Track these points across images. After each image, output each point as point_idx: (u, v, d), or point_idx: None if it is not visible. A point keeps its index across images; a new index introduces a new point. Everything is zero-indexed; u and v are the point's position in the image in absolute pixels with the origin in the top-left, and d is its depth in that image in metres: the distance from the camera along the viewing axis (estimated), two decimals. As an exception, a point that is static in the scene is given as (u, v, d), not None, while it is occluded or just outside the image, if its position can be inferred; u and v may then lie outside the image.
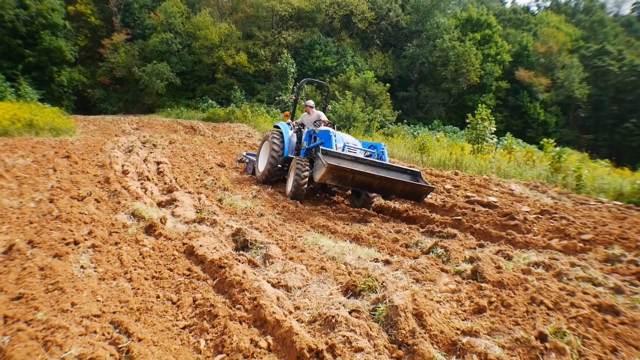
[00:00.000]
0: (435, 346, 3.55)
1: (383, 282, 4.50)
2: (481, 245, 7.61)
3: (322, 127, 11.79)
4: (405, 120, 45.37)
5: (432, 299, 4.43)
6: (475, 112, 21.67)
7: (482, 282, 5.15)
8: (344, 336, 3.50)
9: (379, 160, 10.56)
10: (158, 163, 13.98)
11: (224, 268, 5.10)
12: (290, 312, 4.17)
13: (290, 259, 5.89)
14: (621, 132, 55.31)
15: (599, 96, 59.22)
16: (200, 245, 6.00)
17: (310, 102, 13.59)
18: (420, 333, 3.60)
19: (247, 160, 14.73)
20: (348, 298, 4.40)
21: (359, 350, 3.37)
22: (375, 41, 57.59)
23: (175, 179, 11.94)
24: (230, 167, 15.24)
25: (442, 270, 5.73)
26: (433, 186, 10.50)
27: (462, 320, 4.13)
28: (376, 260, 6.02)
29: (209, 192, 10.82)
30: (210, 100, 44.47)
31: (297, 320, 3.97)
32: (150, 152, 16.40)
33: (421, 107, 53.48)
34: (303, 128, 12.84)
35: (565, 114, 58.58)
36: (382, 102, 44.48)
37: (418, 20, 56.32)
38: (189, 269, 5.45)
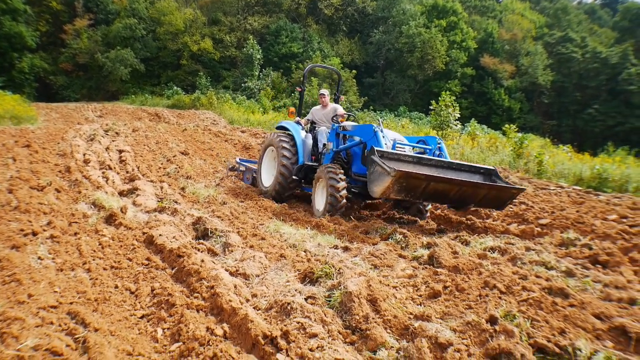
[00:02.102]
0: (389, 331, 3.62)
1: (340, 268, 4.57)
2: (441, 231, 7.75)
3: (350, 122, 10.02)
4: (371, 107, 45.51)
5: (388, 285, 4.51)
6: (440, 98, 21.85)
7: (439, 268, 5.27)
8: (298, 322, 3.55)
9: (447, 160, 8.37)
10: (120, 151, 13.84)
11: (183, 257, 5.12)
12: (247, 300, 4.21)
13: (251, 247, 5.92)
14: (584, 118, 56.44)
15: (562, 83, 60.21)
16: (160, 235, 6.00)
17: (325, 92, 11.04)
18: (373, 318, 3.68)
19: (242, 168, 12.13)
20: (305, 285, 4.46)
21: (313, 336, 3.43)
22: (342, 27, 57.52)
23: (138, 168, 11.84)
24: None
25: (400, 256, 5.83)
26: (523, 187, 8.58)
27: (417, 305, 4.22)
28: (336, 247, 6.11)
29: (171, 180, 10.77)
30: (175, 87, 43.91)
31: (253, 308, 4.02)
32: (113, 141, 16.20)
33: (387, 94, 53.73)
34: (317, 126, 10.70)
35: (530, 100, 59.44)
36: (349, 88, 44.55)
37: (384, 7, 56.37)
38: (148, 259, 5.45)
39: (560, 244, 6.88)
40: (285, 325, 3.56)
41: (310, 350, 3.29)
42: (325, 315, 3.71)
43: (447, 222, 8.54)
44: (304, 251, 5.83)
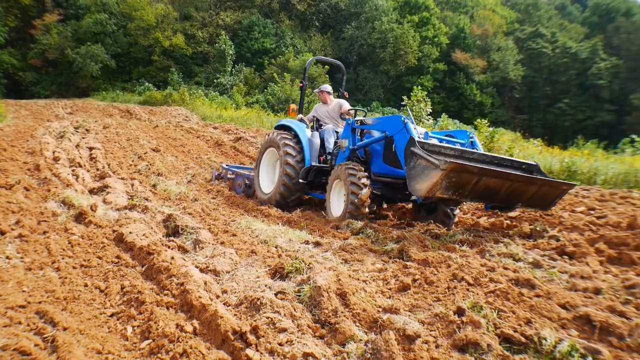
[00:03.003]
0: (357, 324, 3.66)
1: (310, 263, 4.60)
2: (410, 225, 7.82)
3: (365, 117, 8.89)
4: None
5: (358, 279, 4.55)
6: (412, 94, 22.02)
7: (408, 261, 5.33)
8: (268, 317, 3.57)
9: (489, 154, 7.54)
10: (91, 149, 13.68)
11: (153, 254, 5.10)
12: (217, 296, 4.21)
13: (221, 243, 5.92)
14: (554, 112, 57.33)
15: (533, 78, 61.08)
16: (130, 232, 5.96)
17: (328, 87, 10.33)
18: (342, 312, 3.71)
19: (232, 175, 10.99)
20: (275, 280, 4.48)
21: (283, 330, 3.46)
22: (315, 23, 57.51)
23: (108, 165, 11.73)
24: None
25: (371, 250, 5.88)
26: (574, 183, 7.87)
27: (387, 298, 4.26)
28: (307, 242, 6.13)
29: (142, 177, 10.69)
30: (147, 83, 43.40)
31: (223, 304, 4.03)
32: (83, 138, 16.01)
33: (360, 89, 53.89)
34: (322, 125, 9.89)
35: (501, 95, 60.13)
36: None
37: (357, 2, 56.50)
38: (118, 257, 5.42)
39: (529, 236, 6.99)
40: (255, 321, 3.58)
41: (280, 344, 3.31)
42: (294, 310, 3.73)
43: (416, 217, 8.62)
44: (275, 247, 5.85)
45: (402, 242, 5.90)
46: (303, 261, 4.67)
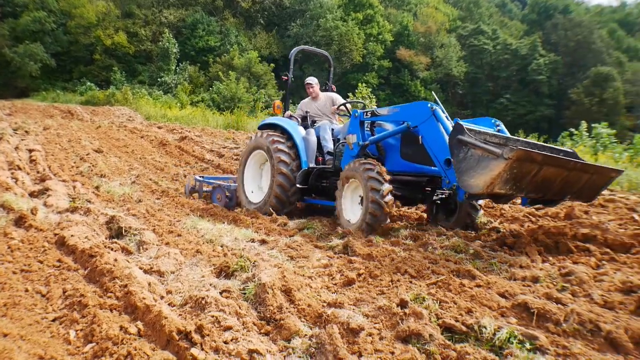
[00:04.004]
0: (303, 319, 3.70)
1: (255, 261, 4.62)
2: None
3: (377, 108, 7.66)
4: (290, 101, 45.59)
5: (303, 275, 4.59)
6: (357, 90, 22.21)
7: (353, 256, 5.41)
8: (213, 316, 3.57)
9: (530, 140, 6.89)
10: (30, 151, 13.29)
11: (95, 257, 5.01)
12: (162, 297, 4.18)
13: (166, 244, 5.86)
14: (496, 107, 58.78)
15: (475, 74, 62.48)
16: (72, 235, 5.84)
17: (315, 80, 9.35)
18: (287, 308, 3.74)
19: (208, 188, 10.03)
20: (220, 279, 4.47)
21: (228, 328, 3.46)
22: (259, 20, 57.32)
23: (49, 167, 11.42)
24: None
25: (316, 246, 5.95)
26: (622, 170, 6.99)
27: (332, 293, 4.32)
28: (253, 240, 6.14)
29: (85, 179, 10.46)
30: (88, 83, 42.43)
31: (168, 305, 4.00)
32: (23, 140, 15.54)
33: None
34: (316, 120, 8.99)
35: (445, 91, 61.23)
36: (267, 82, 44.57)
37: (302, 0, 56.52)
38: (59, 260, 5.30)
39: (471, 228, 7.16)
40: (200, 320, 3.57)
41: (225, 342, 3.31)
42: (239, 307, 3.74)
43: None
44: (221, 246, 5.84)
45: (346, 238, 5.98)
46: (248, 259, 4.68)
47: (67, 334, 3.78)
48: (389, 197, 6.44)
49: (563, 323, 3.65)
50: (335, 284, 4.55)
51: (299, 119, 8.98)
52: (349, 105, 9.09)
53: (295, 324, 3.51)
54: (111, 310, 4.00)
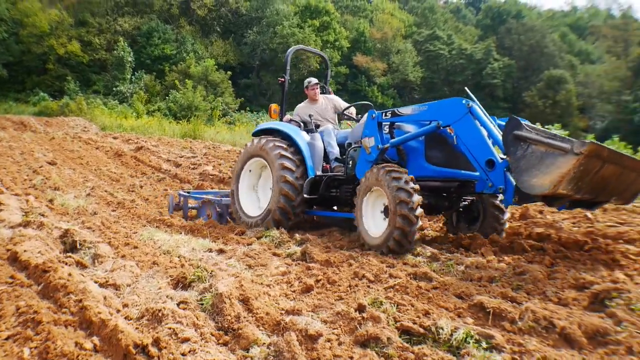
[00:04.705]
0: (261, 328, 3.69)
1: (212, 271, 4.59)
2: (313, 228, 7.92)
3: (399, 107, 6.97)
4: (248, 108, 45.59)
5: (261, 283, 4.58)
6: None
7: (311, 263, 5.43)
8: (170, 328, 3.53)
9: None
10: (-19, 165, 12.98)
11: (49, 272, 4.90)
12: (118, 311, 4.12)
13: (122, 256, 5.77)
14: (452, 111, 59.50)
15: (431, 79, 63.34)
16: (25, 251, 5.69)
17: (314, 81, 8.73)
18: (245, 317, 3.73)
19: (192, 204, 9.38)
20: (177, 290, 4.43)
21: (186, 340, 3.43)
22: (216, 28, 57.00)
23: (1, 181, 11.14)
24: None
25: (274, 254, 5.95)
26: None
27: (290, 300, 4.32)
28: (210, 250, 6.10)
29: (38, 192, 10.22)
30: (41, 93, 41.46)
31: (124, 318, 3.94)
32: (-28, 153, 15.17)
33: (264, 94, 53.92)
34: (319, 124, 8.36)
35: (401, 96, 61.85)
36: (224, 90, 44.36)
37: (258, 7, 56.50)
38: (12, 277, 5.15)
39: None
40: (157, 333, 3.53)
41: (183, 354, 3.28)
42: (197, 318, 3.71)
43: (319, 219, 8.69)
44: (178, 257, 5.78)
45: (304, 245, 5.99)
46: (205, 269, 4.65)
47: (21, 352, 3.69)
48: (420, 211, 5.79)
49: (518, 321, 3.72)
50: (294, 291, 4.55)
51: (301, 124, 8.40)
52: (352, 109, 8.72)
53: (253, 333, 3.50)
54: (66, 326, 3.92)
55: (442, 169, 6.45)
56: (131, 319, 3.97)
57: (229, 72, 46.44)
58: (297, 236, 6.65)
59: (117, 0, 51.28)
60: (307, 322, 3.60)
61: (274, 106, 8.79)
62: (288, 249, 6.15)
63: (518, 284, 4.68)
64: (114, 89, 42.38)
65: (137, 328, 3.75)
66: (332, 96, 8.94)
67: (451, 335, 3.48)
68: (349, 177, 7.22)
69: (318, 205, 7.93)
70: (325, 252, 5.79)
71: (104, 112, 32.95)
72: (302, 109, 8.65)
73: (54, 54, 46.29)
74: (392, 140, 6.61)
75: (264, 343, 3.44)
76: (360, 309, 3.83)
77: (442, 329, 3.53)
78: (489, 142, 5.68)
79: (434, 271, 5.03)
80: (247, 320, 3.69)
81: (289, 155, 7.51)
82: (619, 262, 5.40)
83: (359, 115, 8.59)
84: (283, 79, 8.79)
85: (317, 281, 4.72)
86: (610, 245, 5.72)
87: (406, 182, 5.82)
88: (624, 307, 4.01)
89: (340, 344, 3.42)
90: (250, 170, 8.25)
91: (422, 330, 3.59)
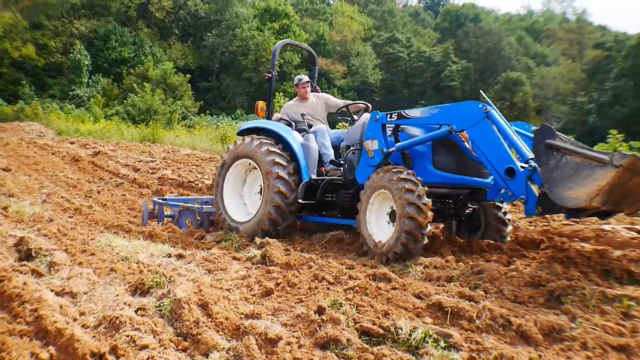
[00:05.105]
0: (220, 333, 3.67)
1: (171, 277, 4.55)
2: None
3: (406, 110, 6.44)
4: (207, 111, 45.33)
5: (221, 288, 4.56)
6: (274, 100, 22.27)
7: (271, 266, 5.44)
8: (128, 336, 3.49)
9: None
10: None
11: (3, 281, 4.78)
12: (75, 319, 4.04)
13: (79, 264, 5.67)
14: (412, 113, 60.24)
15: (391, 81, 63.97)
16: (-23, 260, 5.56)
17: (305, 78, 8.31)
18: (204, 322, 3.71)
19: (169, 212, 8.77)
20: (135, 297, 4.38)
21: (144, 347, 3.39)
22: (174, 31, 56.54)
23: (-48, 189, 10.84)
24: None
25: (234, 258, 5.93)
26: None
27: (250, 304, 4.31)
28: (169, 255, 6.04)
29: (-9, 200, 9.98)
30: (-5, 98, 40.57)
31: (81, 327, 3.87)
32: None
33: (224, 97, 53.74)
34: (311, 124, 7.88)
35: (362, 98, 62.00)
36: (183, 93, 44.00)
37: (217, 10, 56.27)
38: (-36, 287, 5.04)
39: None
40: (114, 340, 3.49)
41: (141, 362, 3.25)
42: (155, 325, 3.67)
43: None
44: (136, 263, 5.70)
45: (264, 248, 5.98)
46: (164, 275, 4.60)
47: (-26, 364, 3.61)
48: (430, 214, 5.52)
49: (476, 320, 3.79)
50: (254, 295, 4.55)
51: (292, 123, 7.91)
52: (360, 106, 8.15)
53: (212, 338, 3.48)
54: (21, 337, 3.84)
55: (451, 175, 6.16)
56: (88, 328, 3.91)
57: (188, 75, 46.03)
58: (257, 240, 6.62)
59: (73, 3, 50.31)
60: (267, 326, 3.60)
61: (260, 103, 8.32)
62: (248, 252, 6.13)
63: (476, 283, 4.76)
64: (71, 93, 41.56)
65: (94, 336, 3.70)
66: (324, 94, 8.51)
67: (410, 335, 3.52)
68: (347, 181, 6.88)
69: (310, 210, 7.58)
70: (285, 255, 5.80)
71: (60, 116, 32.22)
72: (292, 108, 8.14)
73: (8, 58, 45.11)
74: (399, 144, 6.29)
75: (224, 348, 3.43)
76: (320, 311, 3.84)
77: (401, 329, 3.57)
78: (508, 149, 5.40)
79: (393, 272, 5.08)
80: (206, 326, 3.67)
81: (282, 158, 7.05)
82: (574, 260, 5.54)
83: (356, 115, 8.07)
84: (270, 74, 8.30)
85: (277, 284, 4.72)
86: (565, 243, 5.84)
87: (414, 184, 5.55)
88: (579, 303, 4.12)
89: (300, 346, 3.43)
90: (235, 173, 7.74)
91: (381, 330, 3.62)
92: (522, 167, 5.24)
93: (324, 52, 60.68)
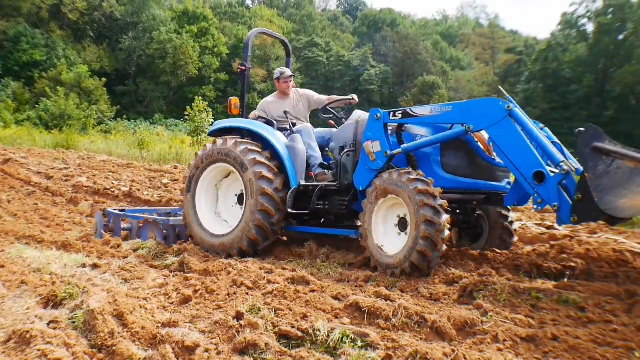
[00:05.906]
0: (137, 343, 3.60)
1: (85, 287, 4.43)
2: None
3: (413, 108, 5.81)
4: (125, 116, 44.27)
5: (137, 297, 4.47)
6: (193, 104, 22.03)
7: (189, 273, 5.38)
8: (40, 350, 3.37)
9: None
10: None
11: None
12: (-18, 335, 3.88)
13: (-13, 277, 5.44)
14: (332, 117, 61.07)
15: (311, 85, 64.22)
16: None
17: (288, 72, 7.49)
18: (120, 333, 3.63)
19: (127, 225, 7.75)
20: (47, 310, 4.23)
21: (56, 361, 3.30)
22: (89, 33, 54.99)
23: None
24: None
25: (152, 266, 5.82)
26: None
27: (168, 312, 4.24)
28: (84, 265, 5.85)
29: None
30: None
31: (-11, 343, 3.72)
32: None
33: (141, 102, 52.71)
34: (295, 123, 7.09)
35: (282, 102, 62.47)
36: (99, 97, 42.84)
37: (133, 12, 55.14)
38: None
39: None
40: (25, 356, 3.36)
41: (53, 376, 3.16)
42: (68, 338, 3.57)
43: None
44: (49, 274, 5.49)
45: (182, 255, 5.92)
46: (77, 286, 4.47)
47: None
48: (447, 233, 4.96)
49: (392, 318, 3.89)
50: (172, 303, 4.49)
51: (274, 122, 7.05)
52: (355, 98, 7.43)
53: (128, 349, 3.42)
54: None
55: (465, 179, 5.59)
56: (-3, 343, 3.76)
57: (104, 79, 44.87)
58: (175, 247, 6.53)
59: (-20, 3, 48.11)
60: (184, 334, 3.56)
61: (234, 100, 7.31)
62: (165, 260, 6.02)
63: (393, 282, 4.89)
64: (-23, 97, 39.72)
65: (3, 352, 3.56)
66: (306, 90, 7.72)
67: (328, 336, 3.56)
68: (342, 187, 6.19)
69: (297, 219, 6.79)
70: (203, 262, 5.75)
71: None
72: (272, 105, 7.36)
73: None
74: (405, 145, 5.65)
75: (140, 358, 3.37)
76: (239, 316, 3.83)
77: (320, 330, 3.62)
78: (535, 151, 4.87)
79: (311, 275, 5.13)
80: (121, 336, 3.59)
81: (266, 161, 6.20)
82: (486, 257, 5.79)
83: (341, 112, 7.38)
84: (244, 67, 7.44)
85: (196, 291, 4.67)
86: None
87: (433, 196, 4.95)
88: (490, 298, 4.32)
89: (218, 353, 3.41)
90: (208, 180, 6.83)
91: (300, 333, 3.66)
92: (552, 171, 4.74)
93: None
